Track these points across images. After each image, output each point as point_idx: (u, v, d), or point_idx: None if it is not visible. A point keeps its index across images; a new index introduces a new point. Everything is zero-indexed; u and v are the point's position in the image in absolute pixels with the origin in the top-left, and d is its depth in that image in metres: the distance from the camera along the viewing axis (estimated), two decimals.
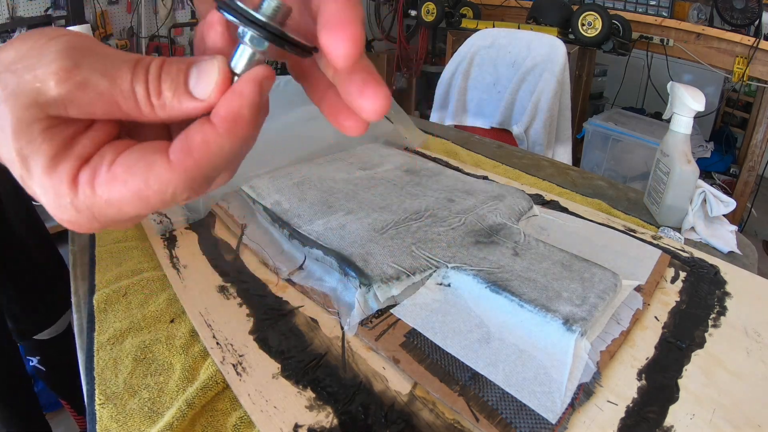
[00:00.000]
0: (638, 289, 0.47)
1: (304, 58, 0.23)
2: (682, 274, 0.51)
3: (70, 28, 1.17)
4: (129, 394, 0.38)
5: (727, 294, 0.48)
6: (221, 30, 0.22)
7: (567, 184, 0.75)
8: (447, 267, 0.49)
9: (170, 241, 0.58)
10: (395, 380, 0.38)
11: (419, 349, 0.40)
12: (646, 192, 0.69)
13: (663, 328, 0.44)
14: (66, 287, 0.55)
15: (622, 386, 0.38)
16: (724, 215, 0.62)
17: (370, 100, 0.21)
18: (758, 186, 2.04)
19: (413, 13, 3.00)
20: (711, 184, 0.63)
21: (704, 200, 0.61)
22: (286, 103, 0.82)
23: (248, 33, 0.21)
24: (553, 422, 0.34)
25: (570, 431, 0.34)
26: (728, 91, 2.51)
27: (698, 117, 0.61)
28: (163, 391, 0.38)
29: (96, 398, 0.38)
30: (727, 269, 0.52)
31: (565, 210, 0.65)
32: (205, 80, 0.21)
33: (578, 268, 0.47)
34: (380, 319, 0.44)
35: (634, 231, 0.60)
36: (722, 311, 0.46)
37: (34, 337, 0.91)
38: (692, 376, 0.38)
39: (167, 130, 0.24)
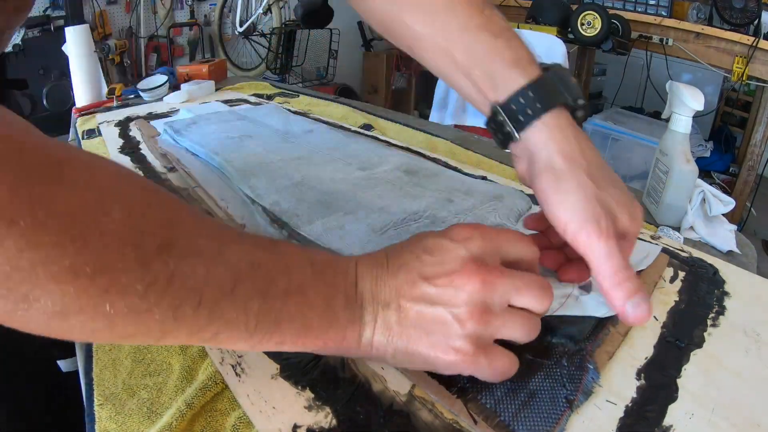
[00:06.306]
0: None
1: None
2: (681, 274, 0.51)
3: (69, 28, 1.14)
4: (128, 395, 0.38)
5: (726, 293, 0.48)
6: None
7: None
8: None
9: None
10: (394, 380, 0.38)
11: None
12: (645, 191, 0.69)
13: (662, 327, 0.44)
14: None
15: (621, 386, 0.38)
16: (723, 214, 0.62)
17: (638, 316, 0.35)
18: (757, 185, 2.05)
19: None
20: (710, 184, 0.63)
21: (703, 199, 0.61)
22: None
23: None
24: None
25: (569, 431, 0.34)
26: (727, 91, 2.51)
27: (697, 116, 0.61)
28: (162, 391, 0.38)
29: (95, 399, 0.38)
30: (726, 269, 0.52)
31: None
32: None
33: None
34: None
35: None
36: (721, 311, 0.46)
37: None
38: (691, 376, 0.38)
39: None
